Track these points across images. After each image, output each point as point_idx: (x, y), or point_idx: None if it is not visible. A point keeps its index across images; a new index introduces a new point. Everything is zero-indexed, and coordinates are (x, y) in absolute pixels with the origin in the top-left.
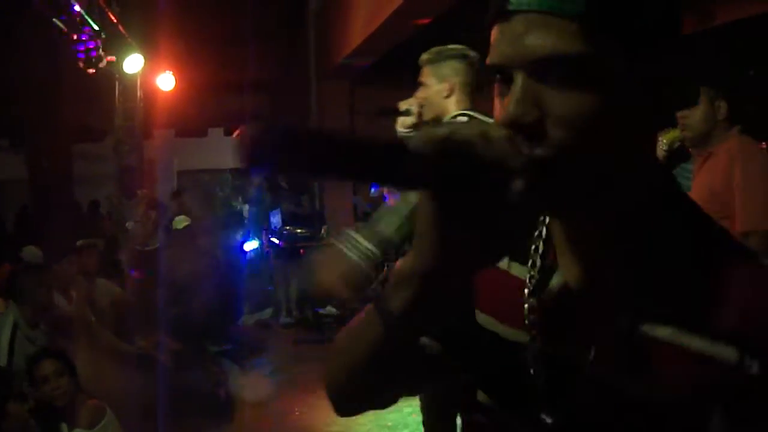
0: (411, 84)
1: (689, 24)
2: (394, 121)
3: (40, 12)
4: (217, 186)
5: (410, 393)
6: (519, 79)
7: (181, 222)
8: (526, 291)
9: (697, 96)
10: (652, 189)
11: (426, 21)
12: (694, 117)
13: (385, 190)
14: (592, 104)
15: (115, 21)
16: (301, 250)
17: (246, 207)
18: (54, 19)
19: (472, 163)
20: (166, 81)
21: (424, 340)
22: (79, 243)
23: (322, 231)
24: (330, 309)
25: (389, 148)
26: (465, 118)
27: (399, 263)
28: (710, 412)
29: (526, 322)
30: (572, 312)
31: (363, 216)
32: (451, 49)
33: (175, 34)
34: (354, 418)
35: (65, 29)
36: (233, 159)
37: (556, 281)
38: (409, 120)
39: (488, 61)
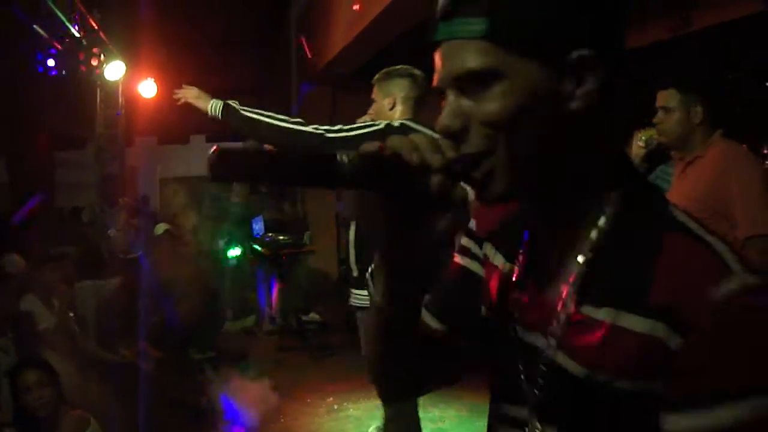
0: None
1: (667, 29)
2: None
3: (21, 18)
4: (200, 193)
5: (427, 382)
6: (449, 96)
7: (160, 228)
8: (509, 286)
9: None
10: (594, 176)
11: (407, 28)
12: (668, 122)
13: None
14: (503, 109)
15: (96, 27)
16: (284, 257)
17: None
18: (35, 25)
19: (401, 167)
20: (147, 88)
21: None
22: (57, 251)
23: (305, 237)
24: (313, 316)
25: (324, 160)
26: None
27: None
28: (653, 391)
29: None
30: (536, 302)
31: (345, 222)
32: (398, 69)
33: (157, 41)
34: (342, 427)
35: (46, 35)
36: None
37: (531, 276)
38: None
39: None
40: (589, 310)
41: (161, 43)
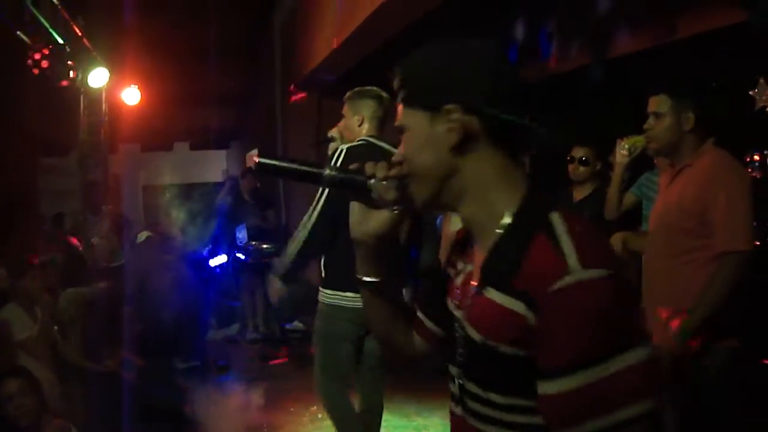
0: None
1: (652, 37)
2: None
3: (4, 24)
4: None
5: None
6: (401, 136)
7: (143, 236)
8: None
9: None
10: (492, 190)
11: (390, 36)
12: (659, 128)
13: None
14: (411, 147)
15: (80, 34)
16: (267, 266)
17: (212, 222)
18: (18, 32)
19: (357, 180)
20: (131, 95)
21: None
22: (41, 258)
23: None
24: (297, 324)
25: (315, 169)
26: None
27: None
28: (528, 357)
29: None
30: (464, 287)
31: None
32: (368, 90)
33: (141, 48)
34: None
35: (29, 42)
36: (199, 173)
37: (467, 266)
38: (335, 144)
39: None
40: (485, 290)
41: (145, 51)
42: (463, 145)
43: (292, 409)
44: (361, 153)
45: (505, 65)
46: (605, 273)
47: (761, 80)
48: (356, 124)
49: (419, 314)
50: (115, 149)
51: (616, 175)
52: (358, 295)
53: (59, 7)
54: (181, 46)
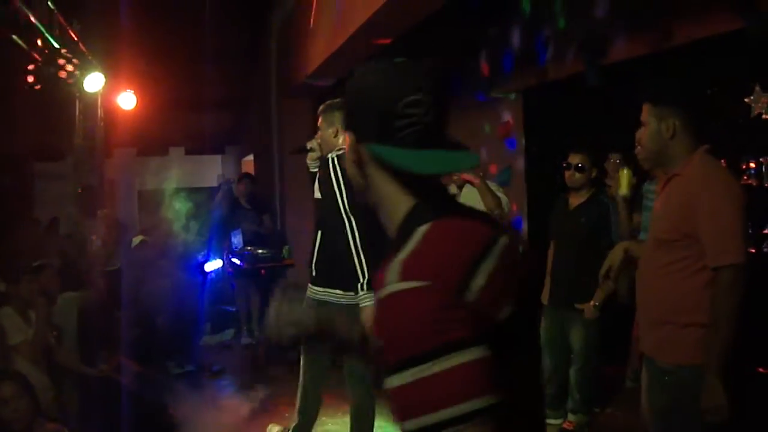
0: None
1: (648, 44)
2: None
3: None
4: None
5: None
6: None
7: (137, 240)
8: None
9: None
10: (391, 200)
11: (387, 41)
12: (643, 136)
13: None
14: (353, 172)
15: (75, 39)
16: (262, 271)
17: (207, 227)
18: (13, 36)
19: None
20: (127, 100)
21: None
22: (36, 263)
23: (283, 251)
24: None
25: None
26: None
27: None
28: None
29: None
30: None
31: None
32: (339, 102)
33: (137, 53)
34: None
35: (25, 46)
36: (194, 178)
37: None
38: (315, 155)
39: None
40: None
41: (141, 55)
42: (361, 167)
43: (286, 414)
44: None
45: (398, 103)
46: (419, 285)
47: (757, 87)
48: (331, 135)
49: None
50: (111, 154)
51: (621, 207)
52: (346, 293)
53: (55, 11)
54: (177, 51)
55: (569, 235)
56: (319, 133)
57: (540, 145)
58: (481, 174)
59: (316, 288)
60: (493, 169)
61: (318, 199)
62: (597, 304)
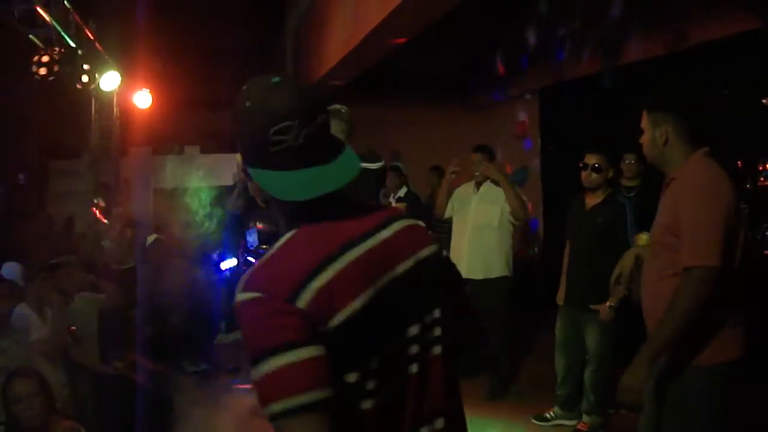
0: (389, 101)
1: (663, 44)
2: None
3: (16, 28)
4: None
5: None
6: None
7: (152, 238)
8: None
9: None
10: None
11: (402, 40)
12: (643, 143)
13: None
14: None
15: (91, 38)
16: None
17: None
18: (30, 36)
19: None
20: (142, 98)
21: None
22: (53, 261)
23: None
24: None
25: None
26: None
27: None
28: None
29: None
30: None
31: None
32: (330, 110)
33: (152, 52)
34: None
35: (41, 45)
36: (210, 176)
37: None
38: None
39: None
40: None
41: (156, 54)
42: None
43: None
44: None
45: (269, 130)
46: (253, 296)
47: None
48: None
49: None
50: (126, 152)
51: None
52: None
53: (71, 10)
54: (192, 50)
55: (585, 236)
56: None
57: (556, 145)
58: (506, 172)
59: None
60: (508, 169)
61: None
62: (612, 305)
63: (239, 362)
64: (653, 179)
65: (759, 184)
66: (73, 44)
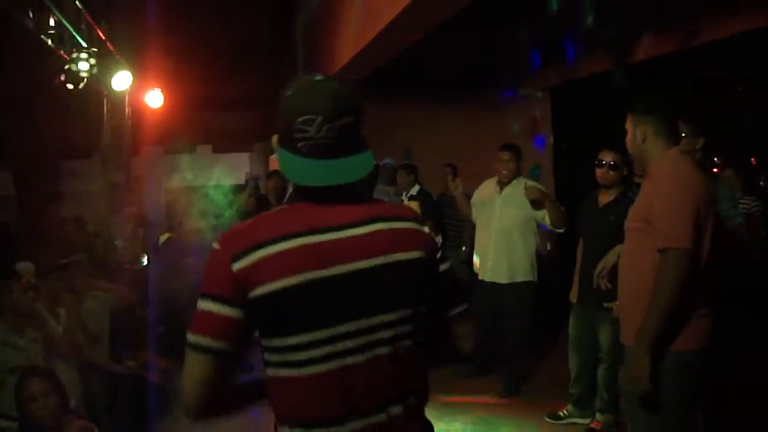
0: (401, 99)
1: (675, 42)
2: None
3: (28, 28)
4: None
5: None
6: None
7: (164, 237)
8: None
9: None
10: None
11: (416, 37)
12: (627, 141)
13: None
14: None
15: (103, 38)
16: None
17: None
18: (42, 36)
19: None
20: (154, 98)
21: None
22: (64, 260)
23: None
24: None
25: None
26: None
27: None
28: None
29: None
30: None
31: None
32: None
33: (164, 51)
34: None
35: (53, 45)
36: (222, 175)
37: None
38: None
39: None
40: None
41: (168, 54)
42: None
43: None
44: None
45: (295, 120)
46: (216, 246)
47: None
48: None
49: None
50: (138, 152)
51: None
52: None
53: (83, 11)
54: (204, 48)
55: (598, 233)
56: None
57: (567, 143)
58: (546, 192)
59: None
60: None
61: None
62: None
63: (252, 361)
64: None
65: None
66: (85, 45)
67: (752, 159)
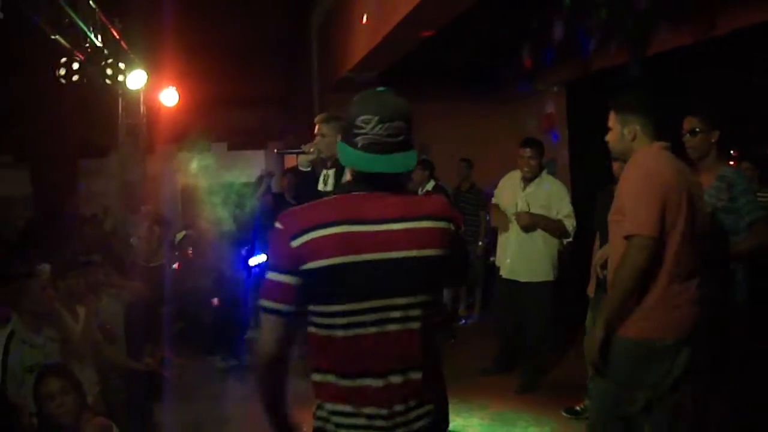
0: (414, 96)
1: (691, 34)
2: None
3: (43, 28)
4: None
5: None
6: None
7: (180, 235)
8: None
9: None
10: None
11: (430, 33)
12: (611, 139)
13: None
14: None
15: (117, 37)
16: None
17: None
18: (57, 36)
19: None
20: (169, 96)
21: None
22: (83, 259)
23: None
24: None
25: None
26: None
27: None
28: None
29: None
30: None
31: None
32: (338, 115)
33: (178, 50)
34: None
35: (68, 46)
36: (237, 173)
37: None
38: (309, 157)
39: None
40: None
41: (182, 52)
42: None
43: None
44: None
45: (356, 119)
46: (278, 225)
47: None
48: (336, 141)
49: None
50: (154, 150)
51: None
52: None
53: (97, 10)
54: (218, 47)
55: None
56: (321, 138)
57: (583, 138)
58: (539, 218)
59: None
60: None
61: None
62: None
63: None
64: None
65: None
66: (99, 44)
67: (654, 153)
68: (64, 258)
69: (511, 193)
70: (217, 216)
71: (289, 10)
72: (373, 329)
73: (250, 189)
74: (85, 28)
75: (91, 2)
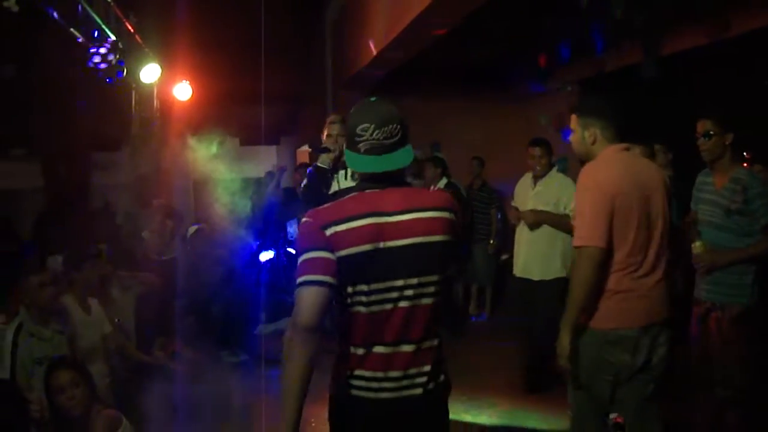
0: (427, 93)
1: (706, 34)
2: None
3: (57, 22)
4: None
5: None
6: None
7: (193, 230)
8: None
9: None
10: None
11: (443, 32)
12: (573, 141)
13: None
14: None
15: (132, 31)
16: None
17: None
18: (71, 29)
19: None
20: (182, 91)
21: None
22: (94, 250)
23: None
24: None
25: None
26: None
27: None
28: None
29: None
30: None
31: None
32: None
33: (192, 44)
34: None
35: (82, 39)
36: (249, 168)
37: None
38: (332, 156)
39: None
40: None
41: (196, 47)
42: None
43: None
44: None
45: (356, 127)
46: (306, 219)
47: None
48: None
49: None
50: (166, 144)
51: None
52: None
53: (111, 4)
54: (232, 42)
55: None
56: (340, 139)
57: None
58: (546, 217)
59: None
60: None
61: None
62: None
63: (278, 353)
64: (686, 169)
65: None
66: (113, 38)
67: (603, 162)
68: (76, 250)
69: (524, 193)
70: (229, 210)
71: (303, 7)
72: (388, 306)
73: (264, 180)
74: (100, 22)
75: None
